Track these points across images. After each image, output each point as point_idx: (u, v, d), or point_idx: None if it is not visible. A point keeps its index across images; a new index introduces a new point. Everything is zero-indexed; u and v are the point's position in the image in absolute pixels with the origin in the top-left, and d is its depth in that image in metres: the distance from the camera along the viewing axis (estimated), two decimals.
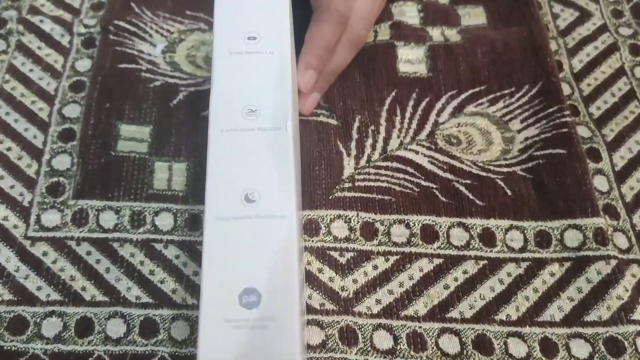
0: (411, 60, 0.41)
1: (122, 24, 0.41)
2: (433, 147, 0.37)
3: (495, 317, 0.32)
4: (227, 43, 0.29)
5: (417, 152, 0.37)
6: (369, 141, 0.37)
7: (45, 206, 0.34)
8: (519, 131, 0.38)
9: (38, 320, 0.31)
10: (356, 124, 0.38)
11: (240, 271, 0.23)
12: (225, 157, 0.26)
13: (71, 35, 0.41)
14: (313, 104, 0.37)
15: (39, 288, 0.32)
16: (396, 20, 0.42)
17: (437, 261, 0.34)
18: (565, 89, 0.40)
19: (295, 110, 0.30)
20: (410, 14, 0.43)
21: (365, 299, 0.32)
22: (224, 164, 0.26)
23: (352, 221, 0.34)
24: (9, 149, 0.36)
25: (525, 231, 0.35)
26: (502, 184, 0.36)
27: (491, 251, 0.34)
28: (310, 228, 0.34)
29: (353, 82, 0.39)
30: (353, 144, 0.37)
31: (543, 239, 0.34)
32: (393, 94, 0.39)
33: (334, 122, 0.38)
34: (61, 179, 0.35)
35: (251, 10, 0.30)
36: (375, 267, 0.33)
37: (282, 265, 0.24)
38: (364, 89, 0.39)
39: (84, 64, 0.40)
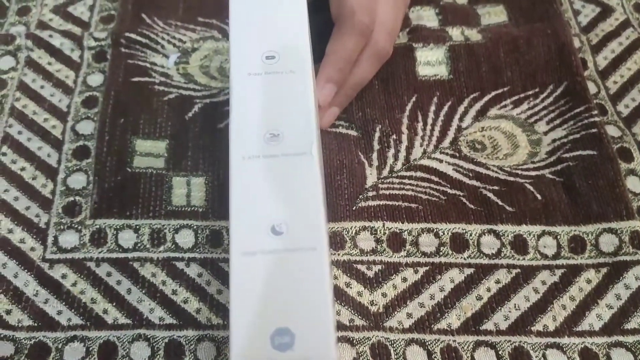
0: (431, 62, 0.39)
1: (133, 36, 0.40)
2: (457, 154, 0.36)
3: (532, 328, 0.31)
4: (244, 64, 0.27)
5: (441, 161, 0.36)
6: (391, 151, 0.36)
7: (62, 227, 0.33)
8: (546, 133, 0.37)
9: (60, 346, 0.30)
10: (377, 134, 0.37)
11: (271, 310, 0.22)
12: (249, 186, 0.24)
13: (81, 49, 0.40)
14: (331, 119, 0.36)
15: (59, 312, 0.31)
16: (414, 25, 0.41)
17: (468, 271, 0.33)
18: (591, 88, 0.39)
19: (318, 128, 0.29)
20: (428, 18, 0.42)
21: (395, 313, 0.31)
22: (248, 193, 0.24)
23: (379, 232, 0.33)
24: (22, 169, 0.35)
25: (559, 237, 0.33)
26: (531, 188, 0.35)
27: (524, 259, 0.33)
28: (335, 241, 0.33)
29: (371, 90, 0.38)
30: (375, 155, 0.36)
31: (577, 245, 0.33)
32: (413, 99, 0.38)
33: (353, 133, 0.37)
34: (77, 198, 0.34)
35: (268, 28, 0.28)
36: (404, 280, 0.32)
37: (315, 302, 0.22)
38: (383, 96, 0.38)
39: (96, 79, 0.39)
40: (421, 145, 0.36)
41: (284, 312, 0.22)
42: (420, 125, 0.37)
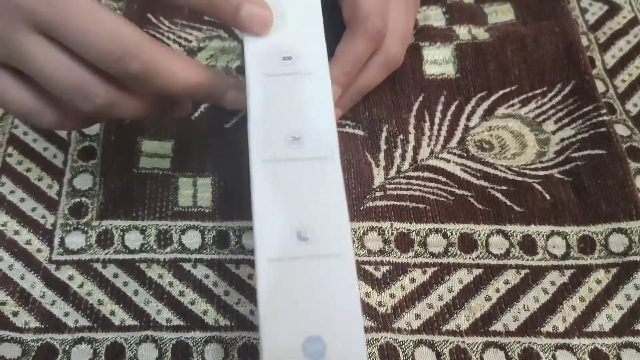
0: (438, 60, 0.39)
1: None
2: (465, 154, 0.36)
3: (542, 329, 0.31)
4: (261, 65, 0.27)
5: (448, 161, 0.36)
6: (398, 151, 0.36)
7: (68, 228, 0.33)
8: (554, 132, 0.37)
9: (67, 348, 0.30)
10: (384, 134, 0.36)
11: (301, 318, 0.22)
12: (271, 191, 0.24)
13: None
14: None
15: (66, 314, 0.31)
16: (420, 26, 0.41)
17: (476, 271, 0.32)
18: (599, 87, 0.38)
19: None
20: (435, 17, 0.41)
21: (404, 314, 0.31)
22: (271, 199, 0.24)
23: (386, 233, 0.33)
24: (28, 170, 0.35)
25: (568, 237, 0.33)
26: (539, 188, 0.35)
27: (532, 259, 0.33)
28: None
29: (378, 89, 0.38)
30: (382, 155, 0.36)
31: (587, 245, 0.33)
32: (420, 98, 0.38)
33: (360, 132, 0.37)
34: (83, 199, 0.34)
35: (283, 28, 0.28)
36: (412, 280, 0.32)
37: (344, 308, 0.22)
38: (390, 95, 0.38)
39: None
40: (428, 146, 0.36)
41: (314, 320, 0.22)
42: (427, 125, 0.37)
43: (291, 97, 0.26)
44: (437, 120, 0.37)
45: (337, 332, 0.22)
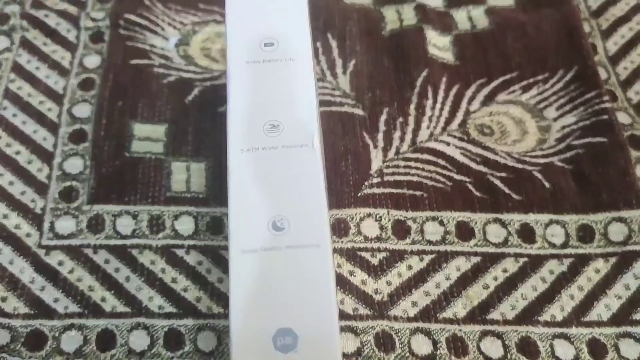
0: (438, 46, 0.39)
1: (132, 17, 0.39)
2: (465, 137, 0.35)
3: (539, 318, 0.30)
4: (242, 51, 0.26)
5: (448, 144, 0.35)
6: (398, 133, 0.35)
7: (58, 212, 0.32)
8: (555, 119, 0.36)
9: (57, 335, 0.29)
10: (384, 116, 0.36)
11: (273, 310, 0.21)
12: (248, 180, 0.23)
13: (78, 29, 0.39)
14: None
15: (56, 300, 0.30)
16: (419, 2, 0.40)
17: (474, 259, 0.32)
18: (601, 74, 0.38)
19: (319, 119, 0.28)
20: None
21: (400, 301, 0.31)
22: (247, 188, 0.23)
23: (383, 219, 0.32)
24: (17, 153, 0.34)
25: (567, 226, 0.33)
26: (539, 176, 0.34)
27: (531, 247, 0.32)
28: (339, 228, 0.32)
29: (381, 69, 0.37)
30: (380, 136, 0.35)
31: (586, 234, 0.32)
32: (424, 73, 0.37)
33: (359, 112, 0.36)
34: (74, 183, 0.33)
35: (266, 13, 0.27)
36: (409, 268, 0.31)
37: (318, 301, 0.21)
38: (393, 74, 0.37)
39: (93, 61, 0.38)
40: (428, 128, 0.36)
41: (286, 312, 0.21)
42: (429, 103, 0.36)
43: (272, 84, 0.25)
44: (440, 99, 0.36)
45: (311, 325, 0.21)
